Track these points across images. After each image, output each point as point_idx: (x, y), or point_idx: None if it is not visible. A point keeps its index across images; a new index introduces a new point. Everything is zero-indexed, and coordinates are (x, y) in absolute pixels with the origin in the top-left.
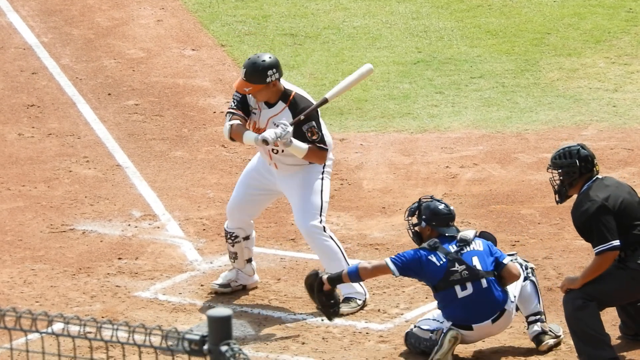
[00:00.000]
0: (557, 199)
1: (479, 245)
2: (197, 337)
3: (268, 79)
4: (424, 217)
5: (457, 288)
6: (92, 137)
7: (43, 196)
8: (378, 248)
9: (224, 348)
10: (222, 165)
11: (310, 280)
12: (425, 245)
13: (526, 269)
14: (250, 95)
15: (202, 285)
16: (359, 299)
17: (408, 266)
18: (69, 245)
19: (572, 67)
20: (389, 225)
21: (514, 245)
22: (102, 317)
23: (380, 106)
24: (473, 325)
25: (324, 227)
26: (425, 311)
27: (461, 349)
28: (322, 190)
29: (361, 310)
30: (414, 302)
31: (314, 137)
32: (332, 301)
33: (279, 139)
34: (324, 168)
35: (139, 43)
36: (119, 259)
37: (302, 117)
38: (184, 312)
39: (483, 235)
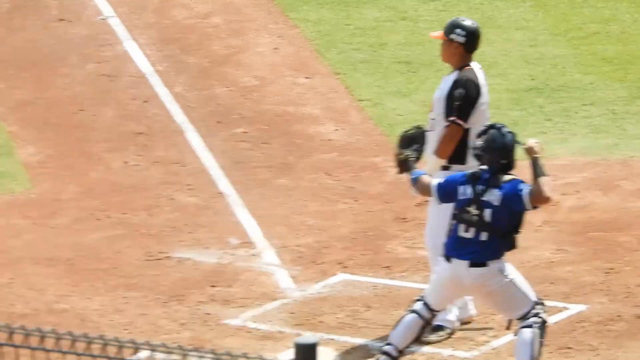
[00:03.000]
0: None
1: (498, 198)
2: None
3: (451, 35)
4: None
5: (461, 227)
6: (197, 164)
7: (143, 224)
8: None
9: None
10: (324, 193)
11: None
12: (468, 173)
13: (538, 316)
14: None
15: (292, 313)
16: (448, 327)
17: (447, 191)
18: (163, 273)
19: None
20: None
21: (607, 272)
22: (189, 345)
23: None
24: (452, 259)
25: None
26: (511, 339)
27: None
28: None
29: (448, 338)
30: (502, 329)
31: (455, 103)
32: (403, 159)
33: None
34: None
35: (253, 71)
36: (212, 286)
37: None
38: (272, 339)
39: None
